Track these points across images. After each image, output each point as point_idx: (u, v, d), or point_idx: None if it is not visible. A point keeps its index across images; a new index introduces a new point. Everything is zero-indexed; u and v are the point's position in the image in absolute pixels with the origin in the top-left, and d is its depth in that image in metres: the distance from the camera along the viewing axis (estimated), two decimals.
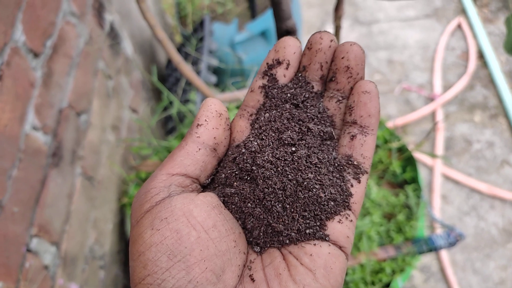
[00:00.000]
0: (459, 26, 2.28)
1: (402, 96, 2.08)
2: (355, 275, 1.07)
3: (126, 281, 1.23)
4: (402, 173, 1.30)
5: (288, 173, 0.38)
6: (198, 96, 1.52)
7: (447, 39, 2.23)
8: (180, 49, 1.87)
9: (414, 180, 1.28)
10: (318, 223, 0.37)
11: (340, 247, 0.36)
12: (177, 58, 0.94)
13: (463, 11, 2.32)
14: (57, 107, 0.92)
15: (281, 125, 0.41)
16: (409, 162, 1.30)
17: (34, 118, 0.82)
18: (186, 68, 0.95)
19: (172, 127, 1.62)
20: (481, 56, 2.15)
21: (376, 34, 2.31)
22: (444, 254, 1.62)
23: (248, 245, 0.38)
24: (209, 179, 0.41)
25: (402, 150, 1.32)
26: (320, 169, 0.38)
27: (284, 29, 0.66)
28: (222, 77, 1.79)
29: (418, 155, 1.83)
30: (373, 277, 1.10)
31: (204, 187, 0.41)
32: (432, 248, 1.11)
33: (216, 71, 1.76)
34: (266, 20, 1.70)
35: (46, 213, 0.84)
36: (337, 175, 0.39)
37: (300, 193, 0.37)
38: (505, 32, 2.28)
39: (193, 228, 0.34)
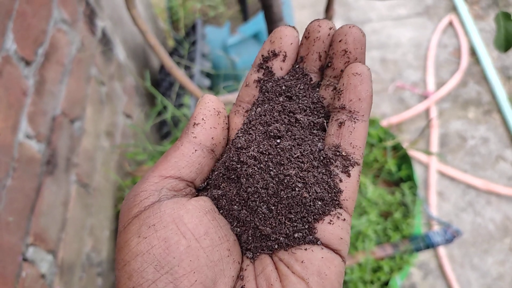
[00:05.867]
0: (450, 24, 2.29)
1: (396, 94, 2.09)
2: (354, 274, 1.08)
3: None
4: (398, 171, 1.31)
5: (271, 168, 0.34)
6: (192, 100, 1.52)
7: (439, 36, 2.24)
8: (173, 53, 1.87)
9: (410, 177, 1.29)
10: (306, 226, 0.33)
11: (334, 250, 0.33)
12: (170, 64, 0.94)
13: (454, 9, 2.34)
14: (50, 115, 0.91)
15: (271, 118, 0.37)
16: (404, 160, 1.31)
17: (27, 127, 0.82)
18: (179, 73, 0.95)
19: (167, 131, 1.62)
20: (473, 52, 2.17)
21: (369, 34, 2.32)
22: (442, 250, 1.63)
23: (243, 253, 0.35)
24: (205, 183, 0.37)
25: (397, 148, 1.32)
26: (302, 164, 0.34)
27: None
28: (216, 80, 1.79)
29: (413, 153, 1.84)
30: (372, 276, 1.10)
31: (199, 191, 0.37)
32: (430, 245, 1.12)
33: (209, 74, 1.76)
34: (258, 22, 1.70)
35: (42, 222, 0.83)
36: (323, 170, 0.35)
37: (282, 192, 0.34)
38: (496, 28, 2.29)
39: (183, 236, 0.31)
